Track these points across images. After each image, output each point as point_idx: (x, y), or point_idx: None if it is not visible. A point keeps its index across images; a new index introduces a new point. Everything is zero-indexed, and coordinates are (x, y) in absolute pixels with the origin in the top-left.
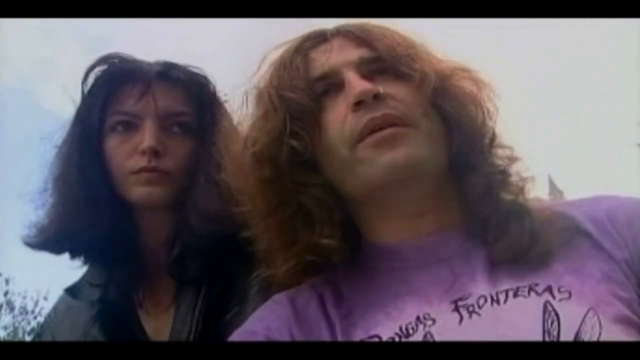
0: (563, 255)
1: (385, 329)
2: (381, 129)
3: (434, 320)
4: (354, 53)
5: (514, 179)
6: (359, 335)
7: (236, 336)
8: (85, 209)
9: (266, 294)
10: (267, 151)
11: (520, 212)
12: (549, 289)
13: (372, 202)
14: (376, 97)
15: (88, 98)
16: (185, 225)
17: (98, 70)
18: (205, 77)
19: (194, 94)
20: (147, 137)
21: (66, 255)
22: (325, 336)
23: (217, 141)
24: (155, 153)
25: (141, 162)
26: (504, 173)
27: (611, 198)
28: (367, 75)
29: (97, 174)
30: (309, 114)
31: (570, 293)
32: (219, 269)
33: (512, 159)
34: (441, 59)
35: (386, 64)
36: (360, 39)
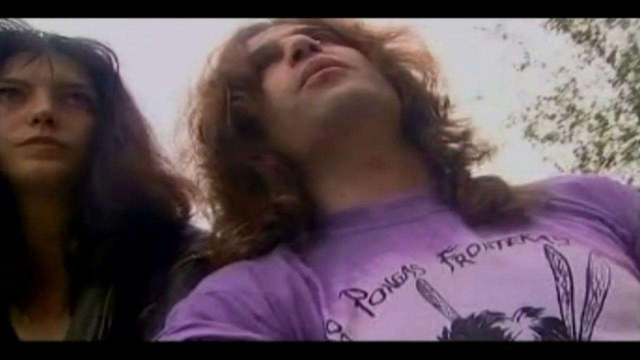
0: (543, 215)
1: (367, 284)
2: (321, 68)
3: (423, 270)
4: (292, 27)
5: (475, 144)
6: (338, 288)
7: (187, 301)
8: None
9: (197, 282)
10: (213, 126)
11: (487, 176)
12: (544, 237)
13: (323, 152)
14: (313, 48)
15: None
16: (89, 205)
17: None
18: (105, 50)
19: (93, 67)
20: (40, 103)
21: None
22: (303, 288)
23: (122, 118)
24: (49, 121)
25: (31, 132)
26: (465, 137)
27: (567, 175)
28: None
29: None
30: (250, 81)
31: (567, 240)
32: (132, 257)
33: (469, 124)
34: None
35: (328, 31)
36: (299, 21)
